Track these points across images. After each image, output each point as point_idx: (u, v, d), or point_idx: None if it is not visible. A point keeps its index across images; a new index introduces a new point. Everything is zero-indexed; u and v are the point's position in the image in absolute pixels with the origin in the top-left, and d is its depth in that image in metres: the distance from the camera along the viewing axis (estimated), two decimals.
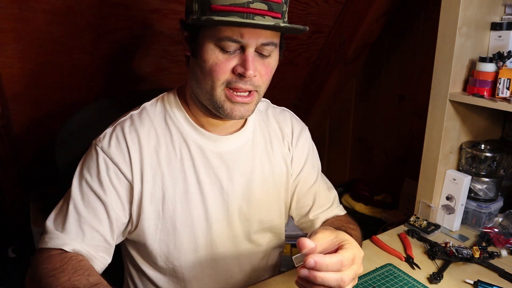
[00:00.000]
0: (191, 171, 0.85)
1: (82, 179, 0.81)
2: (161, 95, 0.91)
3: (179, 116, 0.87)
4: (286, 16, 0.78)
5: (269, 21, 0.71)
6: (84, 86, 1.37)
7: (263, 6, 0.71)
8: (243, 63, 0.74)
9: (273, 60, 0.80)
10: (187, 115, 0.87)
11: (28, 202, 1.64)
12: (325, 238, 0.64)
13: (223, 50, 0.74)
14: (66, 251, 0.76)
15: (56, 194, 1.63)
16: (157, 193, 0.83)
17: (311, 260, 0.58)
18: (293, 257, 0.60)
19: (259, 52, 0.76)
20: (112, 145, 0.82)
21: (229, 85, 0.77)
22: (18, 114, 1.34)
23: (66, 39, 1.19)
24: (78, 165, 0.84)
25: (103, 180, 0.80)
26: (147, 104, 0.89)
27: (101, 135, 0.84)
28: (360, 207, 1.89)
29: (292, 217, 1.04)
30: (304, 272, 0.60)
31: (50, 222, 0.80)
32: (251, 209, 0.92)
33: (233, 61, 0.75)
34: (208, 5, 0.71)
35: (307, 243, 0.60)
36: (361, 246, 0.80)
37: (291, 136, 0.98)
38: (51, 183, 1.66)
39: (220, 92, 0.78)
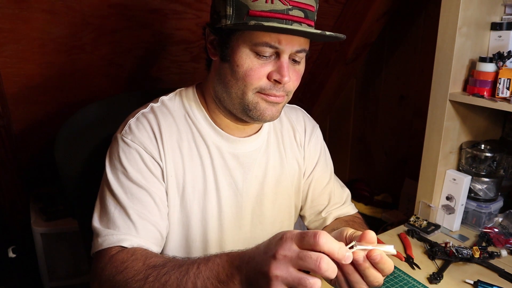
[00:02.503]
0: (210, 170, 0.85)
1: (117, 172, 0.78)
2: (178, 90, 0.90)
3: (198, 115, 0.86)
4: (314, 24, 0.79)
5: (305, 29, 0.72)
6: (84, 86, 1.37)
7: (301, 14, 0.72)
8: (279, 69, 0.75)
9: (302, 67, 0.81)
10: (207, 116, 0.86)
11: (28, 202, 1.64)
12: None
13: (259, 55, 0.74)
14: (125, 247, 0.73)
15: (56, 194, 1.64)
16: (178, 187, 0.83)
17: (378, 254, 0.53)
18: (355, 242, 0.57)
19: (292, 59, 0.77)
20: (141, 134, 0.80)
21: (262, 91, 0.77)
22: (18, 114, 1.34)
23: (66, 39, 1.19)
24: (106, 162, 0.81)
25: (141, 169, 0.79)
26: (165, 98, 0.88)
27: (126, 127, 0.82)
28: (360, 207, 1.89)
29: (303, 216, 1.03)
30: (359, 258, 0.54)
31: (96, 223, 0.77)
32: (263, 211, 0.93)
33: (268, 67, 0.75)
34: (246, 10, 0.71)
35: (373, 237, 0.56)
36: None
37: (303, 134, 0.98)
38: (51, 183, 1.66)
39: (251, 96, 0.77)
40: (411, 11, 1.68)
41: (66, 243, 1.57)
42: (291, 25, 0.71)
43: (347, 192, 1.04)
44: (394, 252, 0.58)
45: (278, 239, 0.52)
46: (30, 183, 1.64)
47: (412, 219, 1.26)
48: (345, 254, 0.50)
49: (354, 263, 0.55)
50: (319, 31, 0.71)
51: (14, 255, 1.78)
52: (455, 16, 1.11)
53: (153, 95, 0.92)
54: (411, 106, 1.77)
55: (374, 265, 0.55)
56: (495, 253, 1.09)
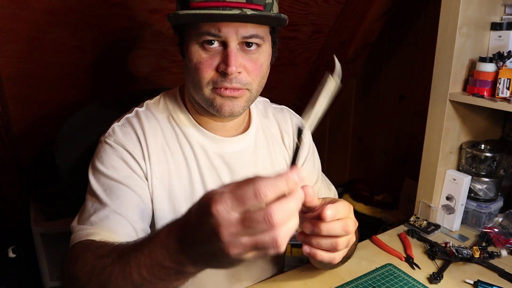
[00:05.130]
0: (195, 171, 0.85)
1: (98, 173, 0.79)
2: (162, 94, 0.90)
3: (182, 117, 0.86)
4: (274, 8, 0.75)
5: (247, 13, 0.69)
6: (84, 86, 1.37)
7: None
8: (225, 59, 0.72)
9: (262, 56, 0.76)
10: (190, 117, 0.86)
11: (28, 202, 1.64)
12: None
13: (205, 48, 0.73)
14: (96, 240, 0.71)
15: (56, 194, 1.64)
16: (164, 190, 0.83)
17: (329, 213, 0.58)
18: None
19: (245, 47, 0.74)
20: (124, 136, 0.81)
21: (215, 85, 0.75)
22: (18, 114, 1.34)
23: (66, 39, 1.19)
24: (90, 164, 0.82)
25: (121, 167, 0.79)
26: (149, 102, 0.88)
27: (109, 130, 0.83)
28: (360, 207, 1.89)
29: None
30: (308, 227, 0.60)
31: (74, 223, 0.77)
32: None
33: (216, 59, 0.73)
34: (187, 3, 0.71)
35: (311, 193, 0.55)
36: (356, 244, 0.86)
37: (291, 135, 0.98)
38: (51, 183, 1.66)
39: (208, 91, 0.76)
40: (411, 11, 1.68)
41: (66, 243, 1.56)
42: (229, 11, 0.68)
43: (333, 192, 1.04)
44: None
45: (208, 214, 0.42)
46: (30, 183, 1.64)
47: (412, 219, 1.26)
48: (295, 176, 0.43)
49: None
50: (249, 12, 0.67)
51: (14, 255, 1.78)
52: (455, 16, 1.11)
53: (154, 95, 0.92)
54: (411, 106, 1.77)
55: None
56: (495, 253, 1.09)
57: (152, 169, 0.81)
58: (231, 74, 0.72)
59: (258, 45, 0.75)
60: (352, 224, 0.62)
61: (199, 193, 0.85)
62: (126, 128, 0.83)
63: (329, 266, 0.88)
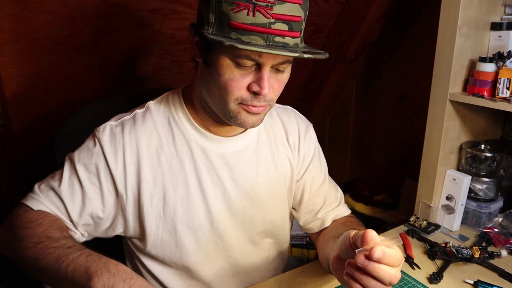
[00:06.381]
0: (192, 173, 0.85)
1: (73, 160, 0.83)
2: (165, 94, 0.91)
3: (183, 118, 0.87)
4: (303, 32, 0.77)
5: (288, 42, 0.70)
6: (84, 86, 1.37)
7: (284, 27, 0.69)
8: (259, 81, 0.74)
9: (286, 75, 0.80)
10: (191, 118, 0.87)
11: None
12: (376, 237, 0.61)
13: (239, 67, 0.73)
14: (44, 211, 0.80)
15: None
16: (158, 193, 0.84)
17: (379, 251, 0.56)
18: (356, 250, 0.59)
19: (275, 70, 0.76)
20: (109, 140, 0.83)
21: (243, 102, 0.76)
22: (18, 114, 1.34)
23: (66, 39, 1.19)
24: (77, 148, 0.86)
25: (90, 168, 0.82)
26: (151, 103, 0.89)
27: (102, 126, 0.85)
28: (360, 207, 1.89)
29: (297, 217, 1.02)
30: (362, 261, 0.57)
31: (37, 185, 0.84)
32: (255, 210, 0.92)
33: (248, 78, 0.74)
34: (228, 20, 0.68)
35: (374, 236, 0.58)
36: None
37: (297, 135, 0.98)
38: None
39: (233, 105, 0.77)
40: (411, 11, 1.68)
41: None
42: (273, 39, 0.69)
43: (340, 193, 1.04)
44: (399, 241, 0.58)
45: None
46: (30, 183, 1.63)
47: (412, 219, 1.26)
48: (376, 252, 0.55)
49: (361, 268, 0.57)
50: (296, 54, 0.68)
51: None
52: (455, 16, 1.11)
53: (154, 95, 0.92)
54: (411, 106, 1.77)
55: (380, 261, 0.56)
56: (495, 253, 1.09)
57: (141, 174, 0.83)
58: (264, 96, 0.75)
59: (285, 67, 0.78)
60: (399, 275, 0.59)
61: (195, 195, 0.86)
62: (116, 131, 0.84)
63: None
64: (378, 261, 0.56)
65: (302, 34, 0.75)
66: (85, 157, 0.83)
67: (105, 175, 0.82)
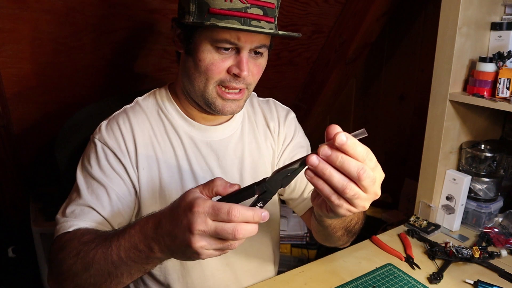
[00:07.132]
0: (184, 160, 0.89)
1: (84, 170, 0.85)
2: (152, 91, 0.95)
3: (170, 109, 0.91)
4: (276, 19, 0.82)
5: (263, 25, 0.76)
6: (84, 86, 1.37)
7: (259, 11, 0.75)
8: (238, 64, 0.78)
9: (264, 60, 0.85)
10: (178, 108, 0.91)
11: (28, 202, 1.64)
12: None
13: (219, 50, 0.78)
14: (73, 230, 0.78)
15: (56, 194, 1.64)
16: (154, 180, 0.87)
17: (342, 135, 0.51)
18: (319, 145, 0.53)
19: (253, 54, 0.81)
20: (108, 134, 0.86)
21: (222, 84, 0.81)
22: (18, 114, 1.34)
23: (66, 39, 1.19)
24: (79, 161, 0.87)
25: (103, 166, 0.84)
26: (139, 99, 0.93)
27: (97, 129, 0.88)
28: None
29: (286, 201, 1.04)
30: (325, 151, 0.52)
31: (59, 215, 0.82)
32: None
33: (228, 61, 0.79)
34: (207, 7, 0.74)
35: (338, 128, 0.54)
36: (363, 222, 0.89)
37: (277, 121, 1.01)
38: (51, 183, 1.66)
39: (212, 89, 0.81)
40: (411, 11, 1.68)
41: None
42: (250, 23, 0.75)
43: None
44: (365, 133, 0.53)
45: (188, 211, 0.53)
46: (30, 183, 1.64)
47: (412, 219, 1.26)
48: (261, 214, 0.53)
49: (326, 160, 0.52)
50: (272, 31, 0.76)
51: (14, 255, 1.78)
52: (455, 16, 1.11)
53: None
54: (411, 106, 1.77)
55: (345, 150, 0.52)
56: (495, 253, 1.09)
57: (139, 161, 0.86)
58: (244, 78, 0.80)
59: (262, 52, 0.82)
60: (371, 172, 0.54)
61: (188, 181, 0.89)
62: (111, 125, 0.87)
63: (329, 232, 0.82)
64: (342, 151, 0.52)
65: (276, 22, 0.81)
66: (92, 160, 0.84)
67: (117, 164, 0.85)
